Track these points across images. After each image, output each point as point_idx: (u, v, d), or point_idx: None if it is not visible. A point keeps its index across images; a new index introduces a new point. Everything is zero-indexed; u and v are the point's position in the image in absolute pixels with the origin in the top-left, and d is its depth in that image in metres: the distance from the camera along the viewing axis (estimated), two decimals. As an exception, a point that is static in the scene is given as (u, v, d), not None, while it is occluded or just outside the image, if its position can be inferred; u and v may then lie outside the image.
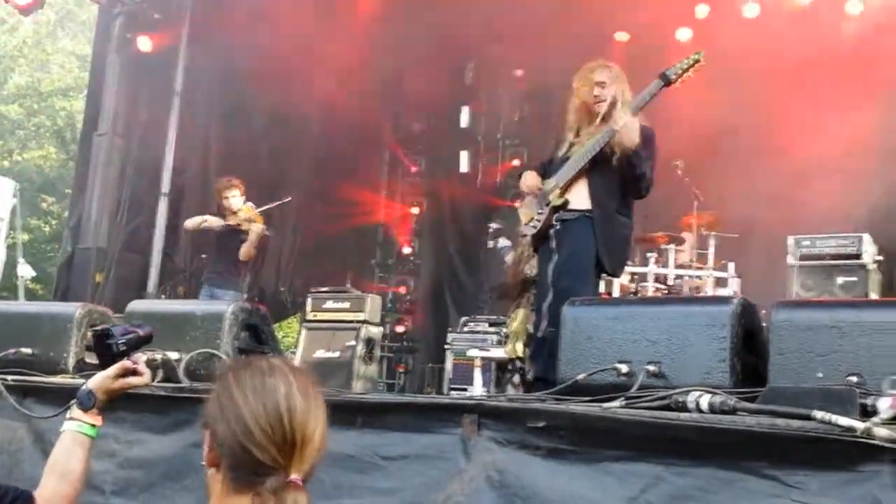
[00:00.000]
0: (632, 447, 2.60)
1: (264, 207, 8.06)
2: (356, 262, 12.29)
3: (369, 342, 9.06)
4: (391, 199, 12.94)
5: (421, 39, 10.16)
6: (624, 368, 3.00)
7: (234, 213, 7.90)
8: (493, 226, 8.00)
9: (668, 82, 4.62)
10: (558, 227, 4.71)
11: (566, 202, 4.72)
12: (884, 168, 7.74)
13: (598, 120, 4.73)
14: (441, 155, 12.39)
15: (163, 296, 9.75)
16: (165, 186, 10.36)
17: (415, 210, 12.78)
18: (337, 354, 8.75)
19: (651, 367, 2.95)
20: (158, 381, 3.63)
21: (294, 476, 1.61)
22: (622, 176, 4.64)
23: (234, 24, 9.52)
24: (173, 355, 3.66)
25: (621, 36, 9.88)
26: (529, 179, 4.93)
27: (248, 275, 8.73)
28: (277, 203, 8.44)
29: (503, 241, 7.82)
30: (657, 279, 7.41)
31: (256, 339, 3.86)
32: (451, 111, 12.02)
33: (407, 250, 12.77)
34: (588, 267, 4.59)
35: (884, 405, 2.43)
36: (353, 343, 8.91)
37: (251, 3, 9.67)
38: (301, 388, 1.70)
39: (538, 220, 4.80)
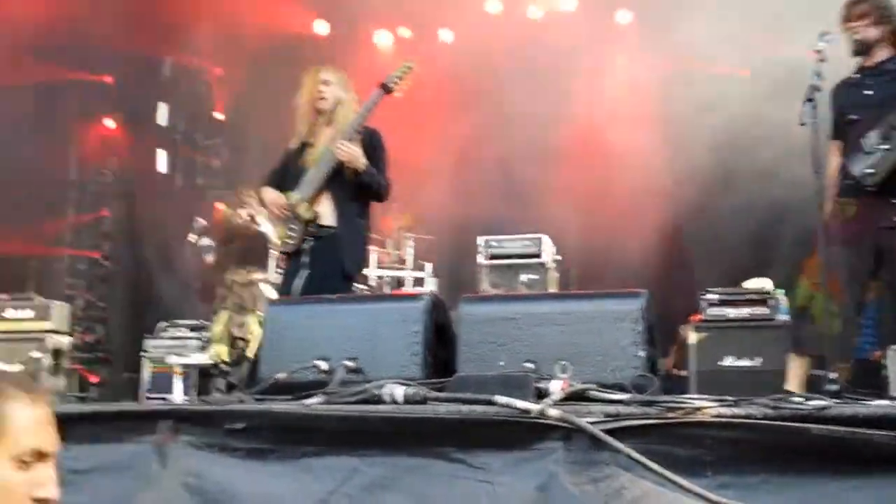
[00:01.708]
0: (330, 442, 2.66)
1: None
2: (39, 265, 11.34)
3: (57, 353, 8.42)
4: (80, 200, 12.09)
5: (116, 30, 9.63)
6: (324, 365, 3.06)
7: None
8: (201, 221, 7.74)
9: (388, 91, 4.75)
10: (312, 243, 4.74)
11: (316, 215, 4.76)
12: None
13: (326, 122, 4.82)
14: (136, 154, 11.78)
15: None
16: None
17: (105, 212, 12.03)
18: (18, 367, 8.07)
19: (349, 363, 3.04)
20: None
21: None
22: (358, 187, 4.76)
23: None
24: None
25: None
26: (271, 196, 4.90)
27: None
28: None
29: (206, 240, 7.60)
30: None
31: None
32: (147, 108, 11.48)
33: (97, 254, 11.99)
34: (338, 281, 4.67)
35: (555, 388, 2.70)
36: (38, 355, 8.24)
37: None
38: None
39: (292, 237, 4.80)
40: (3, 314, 7.95)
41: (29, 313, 8.51)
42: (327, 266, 4.68)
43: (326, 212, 4.79)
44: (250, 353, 6.71)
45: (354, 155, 4.61)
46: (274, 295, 6.77)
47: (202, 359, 7.83)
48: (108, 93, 11.16)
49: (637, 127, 8.27)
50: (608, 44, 8.85)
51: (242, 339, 6.81)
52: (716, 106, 7.50)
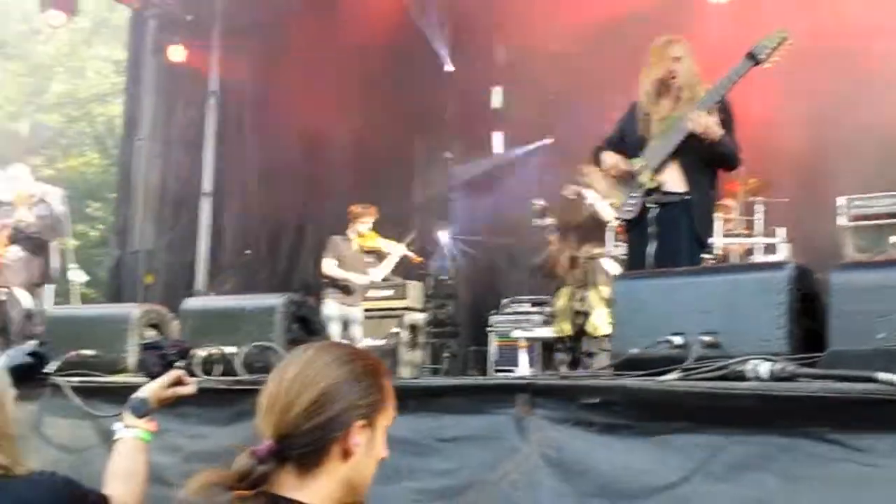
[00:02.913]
0: (690, 419, 2.57)
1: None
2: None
3: (413, 328, 9.12)
4: (426, 186, 12.94)
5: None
6: (678, 340, 2.94)
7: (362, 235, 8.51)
8: (539, 203, 7.91)
9: (756, 62, 4.49)
10: (657, 210, 4.64)
11: (660, 185, 4.67)
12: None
13: (675, 96, 4.69)
14: (474, 137, 12.33)
15: (212, 293, 9.91)
16: (207, 186, 10.52)
17: (452, 194, 12.74)
18: (382, 342, 8.83)
19: (706, 338, 2.89)
20: (218, 375, 3.69)
21: (267, 441, 1.67)
22: (711, 156, 4.62)
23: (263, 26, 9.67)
24: (230, 349, 3.72)
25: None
26: (611, 160, 4.82)
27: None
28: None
29: (547, 219, 7.76)
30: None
31: (307, 330, 3.89)
32: (482, 92, 11.99)
33: (444, 234, 12.73)
34: (687, 249, 4.60)
35: (949, 363, 2.38)
36: (397, 330, 8.99)
37: (277, 4, 9.80)
38: (309, 357, 1.74)
39: (633, 204, 4.75)
40: (367, 294, 8.79)
41: (388, 292, 9.33)
42: (679, 234, 4.56)
43: (674, 180, 4.65)
44: (590, 327, 6.75)
45: (708, 125, 4.45)
46: (614, 268, 6.73)
47: (545, 333, 8.04)
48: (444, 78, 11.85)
49: None
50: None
51: (583, 312, 6.86)
52: None
